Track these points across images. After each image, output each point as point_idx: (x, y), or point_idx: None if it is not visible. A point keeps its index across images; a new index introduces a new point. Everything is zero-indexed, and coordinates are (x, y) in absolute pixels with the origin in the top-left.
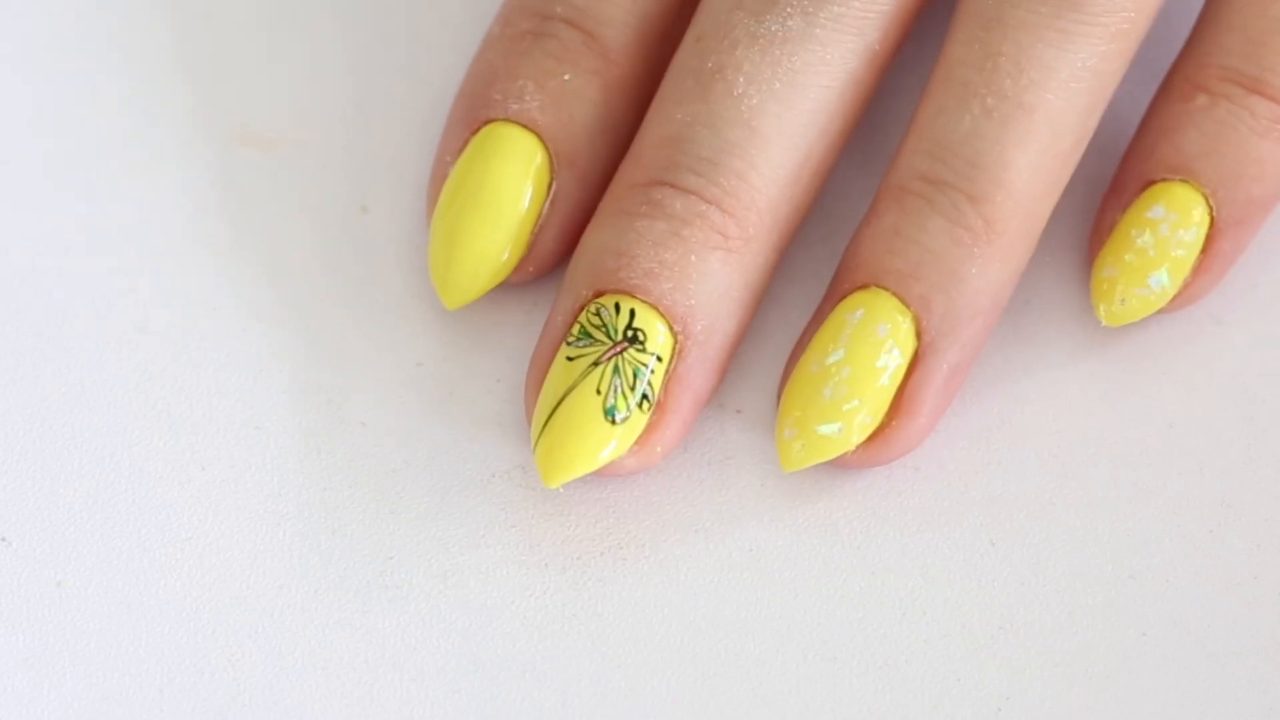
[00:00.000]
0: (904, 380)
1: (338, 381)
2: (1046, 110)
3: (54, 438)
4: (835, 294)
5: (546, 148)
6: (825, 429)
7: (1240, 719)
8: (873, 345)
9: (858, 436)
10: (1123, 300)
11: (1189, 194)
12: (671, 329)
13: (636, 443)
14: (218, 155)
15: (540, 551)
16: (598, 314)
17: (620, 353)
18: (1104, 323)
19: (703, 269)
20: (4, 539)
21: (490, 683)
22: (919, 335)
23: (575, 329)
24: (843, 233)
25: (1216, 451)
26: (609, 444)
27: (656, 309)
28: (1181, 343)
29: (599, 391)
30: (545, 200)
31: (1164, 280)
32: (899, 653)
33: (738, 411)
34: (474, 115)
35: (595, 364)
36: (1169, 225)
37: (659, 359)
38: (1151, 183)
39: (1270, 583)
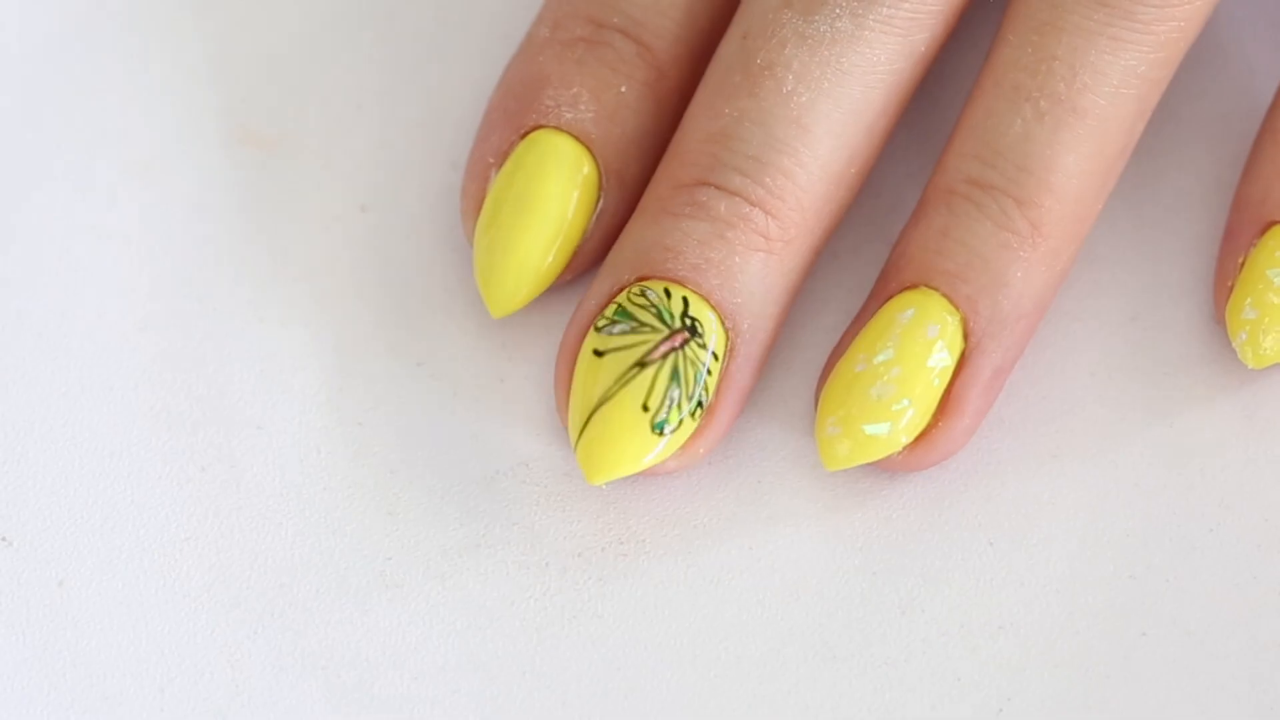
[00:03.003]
0: (950, 381)
1: (337, 381)
2: (1097, 115)
3: (54, 438)
4: (881, 293)
5: (596, 161)
6: (873, 429)
7: (1241, 719)
8: (923, 345)
9: (906, 437)
10: (1269, 341)
11: None
12: (724, 324)
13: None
14: (218, 155)
15: (540, 550)
16: (643, 294)
17: (681, 345)
18: (1251, 365)
19: (746, 269)
20: (4, 539)
21: (490, 683)
22: (966, 336)
23: (611, 309)
24: (857, 230)
25: (1217, 451)
26: (655, 447)
27: (708, 301)
28: (1181, 341)
29: (646, 408)
30: (593, 214)
31: None
32: (899, 653)
33: None
34: (523, 119)
35: (645, 360)
36: None
37: (715, 357)
38: (1273, 224)
39: (1271, 583)
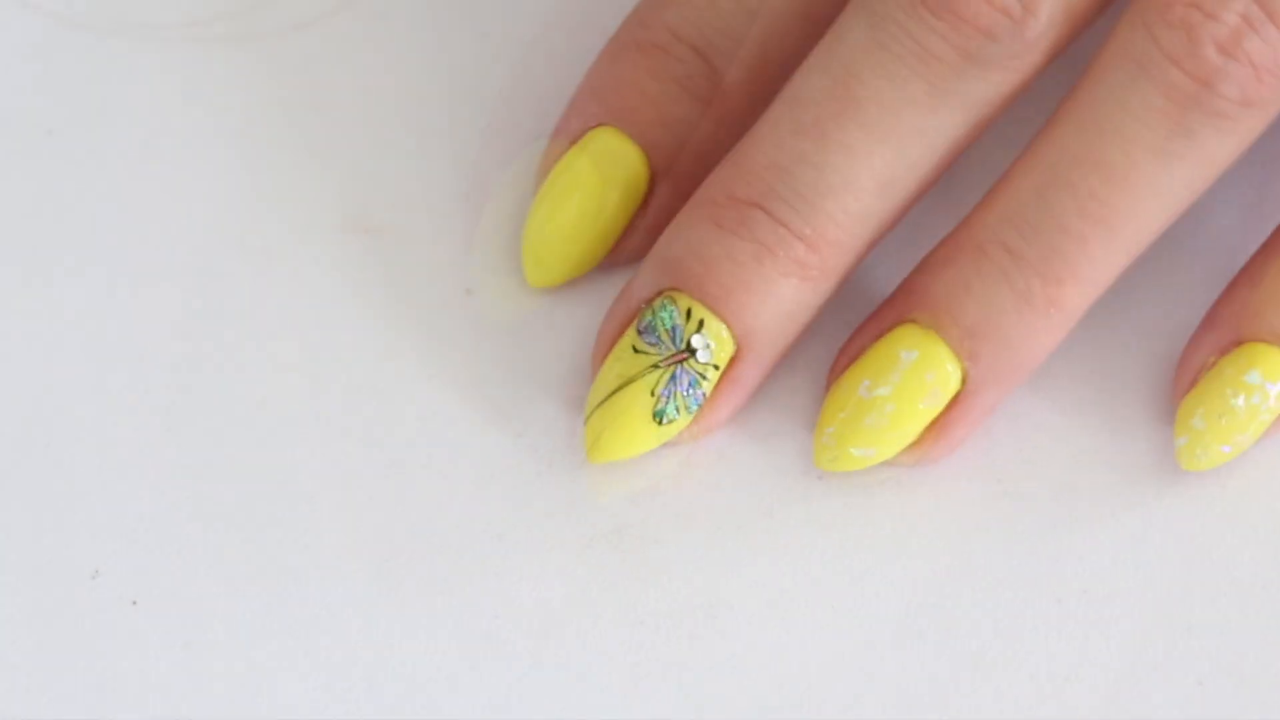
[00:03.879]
0: (942, 411)
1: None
2: (1136, 219)
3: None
4: (891, 314)
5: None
6: (859, 451)
7: None
8: (919, 387)
9: (886, 460)
10: (1204, 454)
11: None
12: (734, 340)
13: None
14: (333, 241)
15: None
16: (668, 310)
17: (679, 361)
18: (1183, 467)
19: (774, 293)
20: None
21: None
22: (963, 380)
23: (646, 317)
24: None
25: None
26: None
27: (725, 321)
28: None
29: (653, 394)
30: (633, 212)
31: (1246, 439)
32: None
33: None
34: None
35: (655, 367)
36: (1260, 395)
37: (716, 368)
38: (1245, 342)
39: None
